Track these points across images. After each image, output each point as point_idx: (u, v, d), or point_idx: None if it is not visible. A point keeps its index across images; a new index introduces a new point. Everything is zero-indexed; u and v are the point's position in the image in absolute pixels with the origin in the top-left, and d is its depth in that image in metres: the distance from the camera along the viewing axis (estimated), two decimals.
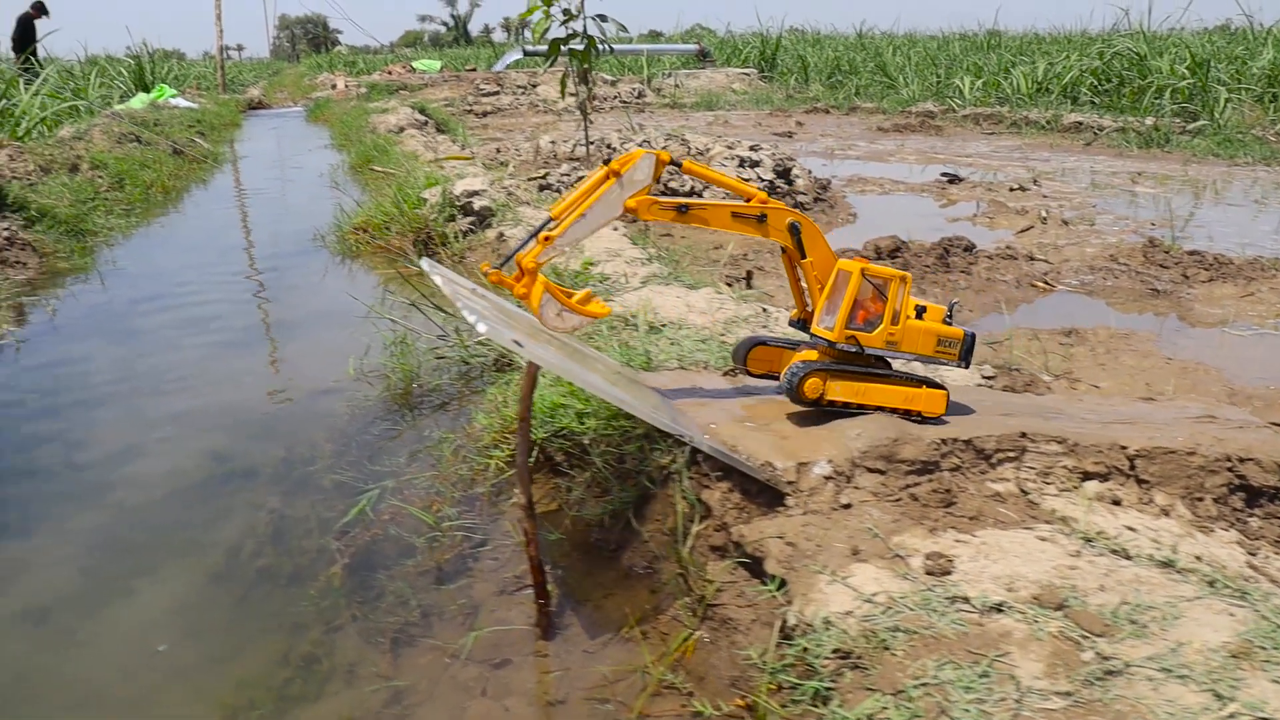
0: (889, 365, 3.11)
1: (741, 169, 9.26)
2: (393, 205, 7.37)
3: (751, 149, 9.89)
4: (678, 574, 2.79)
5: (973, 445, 2.88)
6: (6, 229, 7.57)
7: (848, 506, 2.59)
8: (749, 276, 6.64)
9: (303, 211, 9.81)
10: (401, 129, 13.11)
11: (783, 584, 2.41)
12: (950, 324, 3.09)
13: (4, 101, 12.91)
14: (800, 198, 9.24)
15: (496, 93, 23.16)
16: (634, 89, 22.64)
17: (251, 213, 10.47)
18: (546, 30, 9.14)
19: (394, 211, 7.26)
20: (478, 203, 6.95)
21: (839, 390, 2.95)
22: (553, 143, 11.18)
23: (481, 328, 2.30)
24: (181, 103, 19.12)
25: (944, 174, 11.18)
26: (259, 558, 3.40)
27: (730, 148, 10.36)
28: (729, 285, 6.51)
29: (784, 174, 9.41)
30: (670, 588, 2.81)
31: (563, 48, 9.35)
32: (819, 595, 2.26)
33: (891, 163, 12.92)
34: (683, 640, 2.60)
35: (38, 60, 19.46)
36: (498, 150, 11.19)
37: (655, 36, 42.91)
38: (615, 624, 2.80)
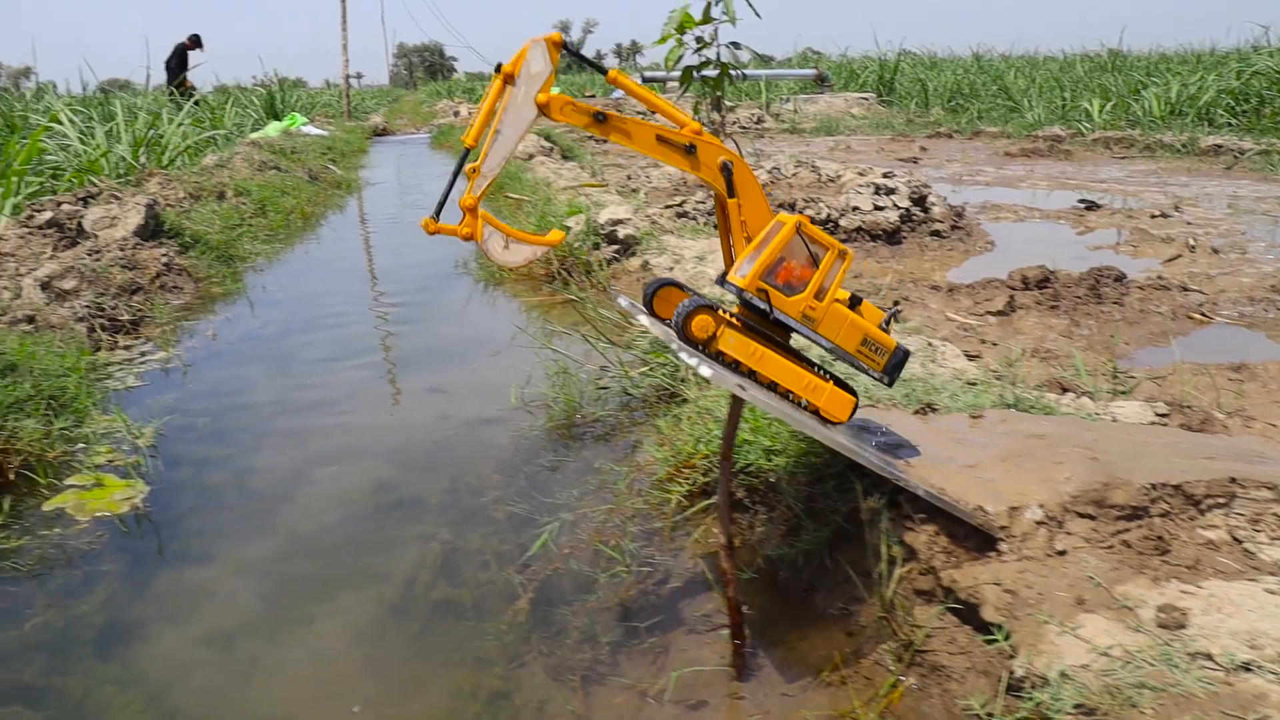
0: (787, 340, 2.81)
1: (877, 196, 9.17)
2: (536, 230, 7.44)
3: (885, 176, 9.78)
4: (879, 618, 2.74)
5: (1182, 490, 2.79)
6: (164, 255, 7.84)
7: (1063, 553, 2.52)
8: (895, 307, 6.54)
9: (441, 237, 9.97)
10: (530, 156, 13.29)
11: (1003, 631, 2.35)
12: (886, 331, 2.78)
13: (152, 132, 13.39)
14: (937, 225, 9.12)
15: None
16: (753, 114, 22.65)
17: (390, 238, 10.69)
18: (680, 59, 9.16)
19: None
20: (622, 231, 7.00)
21: (732, 343, 2.65)
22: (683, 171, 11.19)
23: (705, 371, 2.29)
24: (312, 130, 19.65)
25: (1081, 201, 10.94)
26: (435, 589, 3.43)
27: (862, 174, 10.28)
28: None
29: (919, 201, 9.29)
30: (870, 631, 2.76)
31: (695, 75, 9.36)
32: (1049, 646, 2.20)
33: (1022, 189, 12.67)
34: (890, 686, 2.56)
35: (184, 90, 20.26)
36: (628, 177, 11.27)
37: (766, 61, 42.84)
38: (813, 667, 2.77)
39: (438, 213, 2.67)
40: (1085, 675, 2.09)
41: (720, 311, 2.67)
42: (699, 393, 4.07)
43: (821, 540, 2.99)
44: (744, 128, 21.45)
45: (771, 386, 2.72)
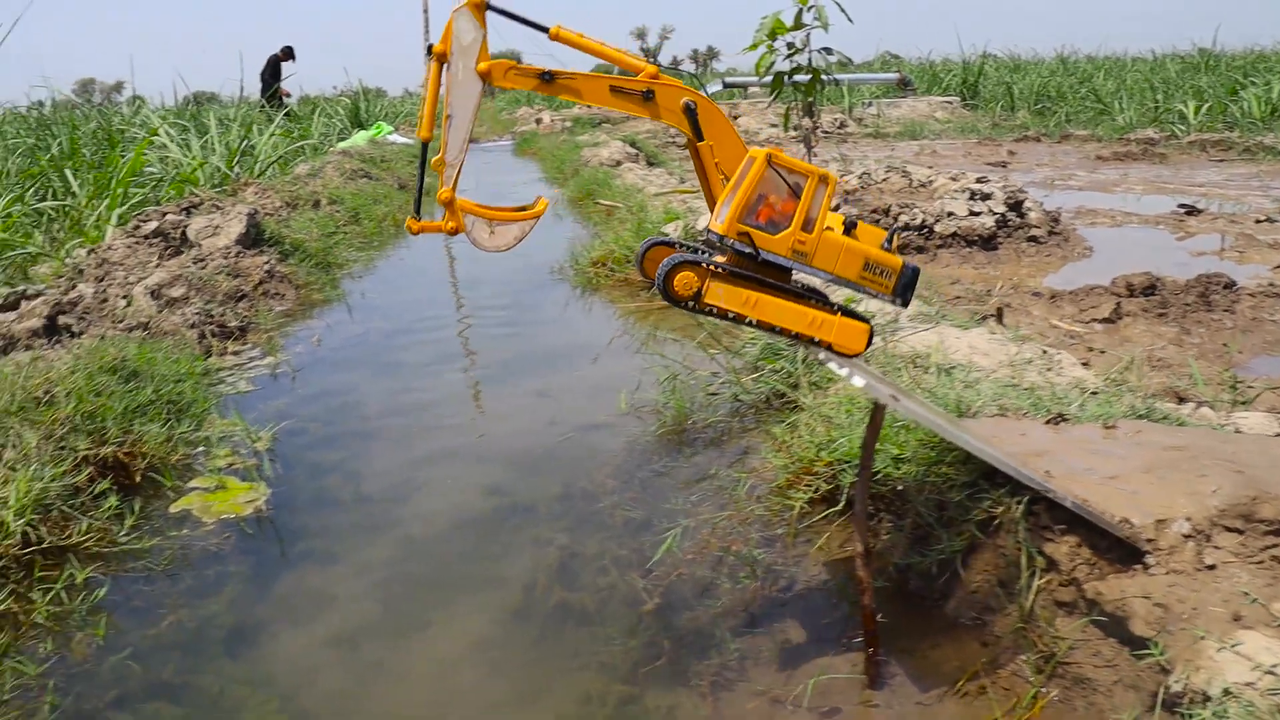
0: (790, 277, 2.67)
1: (972, 201, 9.06)
2: (633, 238, 7.47)
3: (979, 181, 9.68)
4: (1016, 628, 2.71)
5: None
6: (266, 262, 8.00)
7: (1212, 568, 2.47)
8: (999, 313, 6.47)
9: (533, 243, 10.01)
10: (618, 162, 13.33)
11: (1155, 645, 2.31)
12: (890, 251, 2.58)
13: (245, 143, 13.67)
14: (1034, 231, 8.99)
15: None
16: (835, 119, 22.51)
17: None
18: (771, 65, 9.15)
19: (634, 244, 7.36)
20: None
21: (721, 295, 2.54)
22: None
23: (858, 381, 2.28)
24: (398, 139, 19.91)
25: (1180, 205, 10.70)
26: (555, 594, 3.45)
27: (955, 179, 10.18)
28: (981, 322, 6.36)
29: (1015, 206, 9.17)
30: (1007, 642, 2.73)
31: (786, 80, 9.34)
32: (1208, 662, 2.16)
33: (1116, 193, 12.43)
34: (1031, 698, 2.53)
35: (278, 100, 20.68)
36: None
37: (847, 65, 42.42)
38: (948, 677, 2.74)
39: (417, 210, 2.62)
40: (1251, 694, 2.04)
41: (704, 265, 2.56)
42: (817, 400, 4.05)
43: (954, 549, 2.96)
44: (826, 132, 21.30)
45: (777, 330, 2.60)
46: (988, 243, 8.85)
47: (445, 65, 2.48)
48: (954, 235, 8.82)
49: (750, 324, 2.62)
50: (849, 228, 2.58)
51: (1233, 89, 20.09)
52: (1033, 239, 9.02)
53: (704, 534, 3.63)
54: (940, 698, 2.68)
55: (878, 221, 8.80)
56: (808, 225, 2.53)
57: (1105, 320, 6.53)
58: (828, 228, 2.56)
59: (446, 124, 2.50)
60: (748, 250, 2.53)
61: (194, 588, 3.56)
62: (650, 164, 14.60)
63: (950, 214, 8.94)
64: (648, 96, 2.55)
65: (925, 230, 8.82)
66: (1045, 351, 4.38)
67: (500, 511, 4.15)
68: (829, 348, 2.62)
